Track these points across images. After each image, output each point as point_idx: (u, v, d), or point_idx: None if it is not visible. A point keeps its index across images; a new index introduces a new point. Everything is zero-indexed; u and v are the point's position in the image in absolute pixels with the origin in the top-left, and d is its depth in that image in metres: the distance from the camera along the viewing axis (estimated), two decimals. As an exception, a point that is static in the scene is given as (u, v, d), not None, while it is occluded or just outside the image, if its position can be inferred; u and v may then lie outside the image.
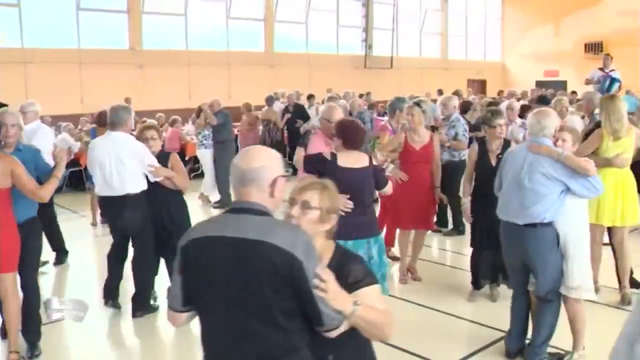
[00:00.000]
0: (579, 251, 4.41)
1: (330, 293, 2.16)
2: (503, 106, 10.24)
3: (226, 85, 19.03)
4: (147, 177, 5.73)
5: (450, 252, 8.00)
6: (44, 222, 5.27)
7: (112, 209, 5.84)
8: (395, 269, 6.86)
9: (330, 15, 23.51)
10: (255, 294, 2.18)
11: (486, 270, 5.94)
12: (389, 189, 4.96)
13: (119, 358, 5.28)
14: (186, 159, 13.57)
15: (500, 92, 20.34)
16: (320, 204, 2.46)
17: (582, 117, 8.77)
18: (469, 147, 7.04)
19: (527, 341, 4.76)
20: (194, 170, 13.63)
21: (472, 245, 6.06)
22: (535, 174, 4.36)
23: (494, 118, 5.78)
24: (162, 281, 5.72)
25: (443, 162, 7.91)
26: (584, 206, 4.51)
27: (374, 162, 4.85)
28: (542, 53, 27.50)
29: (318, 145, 5.24)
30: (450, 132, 8.13)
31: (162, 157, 5.87)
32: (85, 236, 9.15)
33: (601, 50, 25.02)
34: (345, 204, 4.56)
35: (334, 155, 4.69)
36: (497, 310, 5.57)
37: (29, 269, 4.88)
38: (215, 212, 9.98)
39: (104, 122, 8.42)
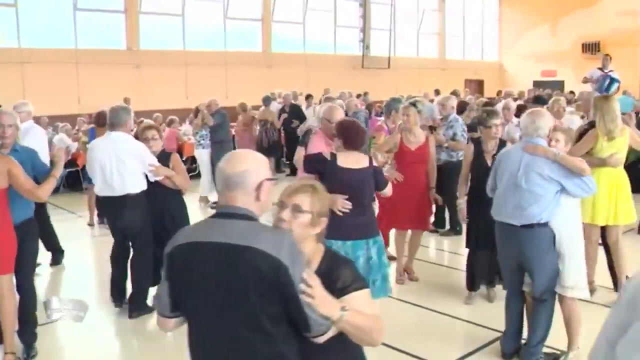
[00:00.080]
0: (574, 250, 4.44)
1: (317, 298, 2.14)
2: (499, 106, 10.26)
3: (223, 85, 19.01)
4: (146, 177, 5.74)
5: (447, 253, 8.02)
6: (38, 223, 5.26)
7: (113, 209, 5.85)
8: (392, 269, 6.87)
9: (328, 16, 23.49)
10: (241, 300, 2.16)
11: (482, 271, 5.94)
12: (388, 190, 4.94)
13: (115, 358, 5.28)
14: (183, 159, 13.56)
15: (499, 93, 20.37)
16: (311, 207, 2.42)
17: (582, 117, 8.79)
18: (467, 147, 7.04)
19: (522, 341, 4.77)
20: (191, 170, 13.63)
21: (467, 246, 6.06)
22: (531, 174, 4.37)
23: (490, 118, 5.78)
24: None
25: (441, 162, 7.94)
26: (577, 206, 4.55)
27: (374, 163, 4.84)
28: (539, 53, 27.51)
29: (318, 145, 5.24)
30: (448, 132, 8.11)
31: (163, 157, 5.89)
32: (82, 236, 9.15)
33: (598, 50, 25.05)
34: (343, 204, 4.58)
35: (333, 156, 4.68)
36: (493, 311, 5.57)
37: (25, 270, 4.87)
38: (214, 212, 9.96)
39: (102, 122, 8.45)
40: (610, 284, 6.05)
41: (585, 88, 14.66)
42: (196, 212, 9.24)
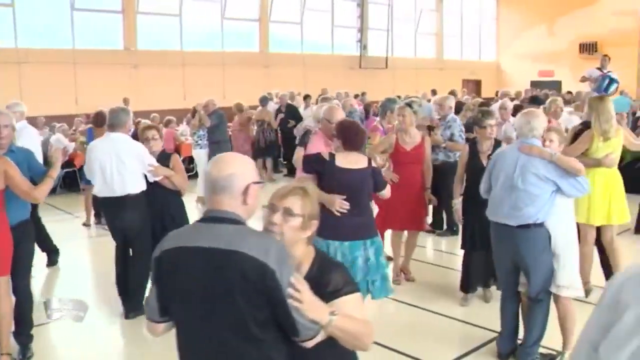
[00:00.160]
0: (569, 250, 4.47)
1: (305, 303, 2.12)
2: (496, 106, 10.27)
3: (221, 85, 19.01)
4: (145, 177, 5.74)
5: (444, 253, 8.02)
6: None
7: (113, 210, 5.85)
8: (388, 270, 6.87)
9: (325, 16, 23.49)
10: (228, 305, 2.14)
11: (478, 272, 5.94)
12: (387, 192, 4.93)
13: (111, 359, 5.27)
14: (181, 159, 13.54)
15: (497, 93, 20.38)
16: (302, 210, 2.39)
17: (581, 117, 8.79)
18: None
19: (518, 342, 4.78)
20: (189, 170, 13.62)
21: (463, 247, 6.07)
22: (527, 175, 4.38)
23: (485, 118, 5.78)
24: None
25: (438, 162, 7.94)
26: (571, 205, 4.58)
27: (373, 164, 4.82)
28: (537, 53, 27.55)
29: (318, 145, 5.23)
30: (446, 132, 8.10)
31: (163, 158, 5.91)
32: (79, 237, 9.15)
33: (596, 51, 25.12)
34: (341, 204, 4.58)
35: (332, 156, 4.68)
36: (490, 311, 5.57)
37: (21, 271, 4.86)
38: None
39: (101, 122, 8.44)
40: (605, 284, 6.06)
41: (582, 87, 14.69)
42: (194, 212, 9.22)
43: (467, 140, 7.29)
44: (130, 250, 6.00)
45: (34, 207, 6.68)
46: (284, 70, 20.64)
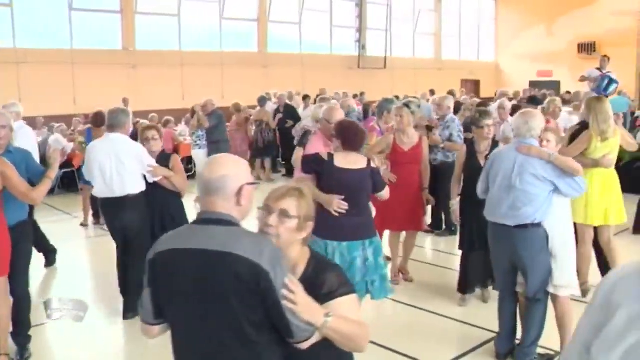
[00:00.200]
0: (566, 250, 4.48)
1: (299, 305, 2.11)
2: (494, 106, 10.27)
3: (219, 85, 19.01)
4: (145, 178, 5.74)
5: (443, 253, 8.01)
6: None
7: (112, 210, 5.84)
8: (387, 270, 6.87)
9: (324, 16, 23.49)
10: (222, 307, 2.13)
11: (476, 272, 5.94)
12: (386, 193, 4.90)
13: (109, 359, 5.27)
14: (180, 159, 13.55)
15: (497, 93, 20.38)
16: (298, 212, 2.38)
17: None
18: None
19: (516, 342, 4.78)
20: (188, 170, 13.62)
21: (460, 247, 6.07)
22: (525, 175, 4.39)
23: (482, 118, 5.78)
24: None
25: (437, 162, 7.94)
26: (567, 205, 4.60)
27: (372, 165, 4.81)
28: (535, 53, 27.56)
29: (317, 145, 5.22)
30: (445, 132, 8.09)
31: (163, 158, 5.90)
32: (77, 237, 9.14)
33: (594, 51, 25.16)
34: (339, 204, 4.58)
35: (331, 156, 4.67)
36: (488, 311, 5.56)
37: (19, 272, 4.84)
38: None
39: (100, 122, 8.43)
40: (597, 284, 6.05)
41: (581, 88, 14.69)
42: (193, 212, 9.19)
43: (466, 140, 7.28)
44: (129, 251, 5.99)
45: (31, 208, 6.68)
46: (282, 71, 20.64)
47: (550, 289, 4.49)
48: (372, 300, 4.89)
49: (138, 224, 5.74)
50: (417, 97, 14.29)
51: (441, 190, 7.31)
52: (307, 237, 2.48)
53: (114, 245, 6.09)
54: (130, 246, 5.91)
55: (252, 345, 2.17)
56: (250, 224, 2.39)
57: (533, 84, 24.51)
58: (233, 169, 2.29)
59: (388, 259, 6.88)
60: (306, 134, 5.79)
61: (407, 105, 6.58)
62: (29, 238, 5.09)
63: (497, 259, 4.74)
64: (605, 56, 13.24)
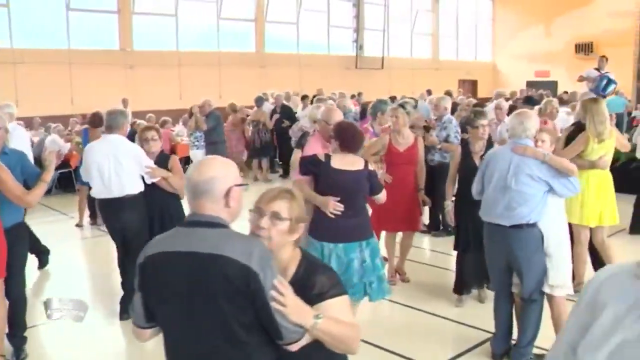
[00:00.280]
0: (561, 250, 4.50)
1: (288, 306, 2.11)
2: (491, 106, 10.27)
3: (217, 85, 19.01)
4: (143, 179, 5.75)
5: (440, 254, 8.01)
6: None
7: (111, 211, 5.83)
8: (384, 271, 6.87)
9: (321, 16, 23.50)
10: (212, 309, 2.13)
11: (473, 272, 5.94)
12: (382, 196, 4.88)
13: (106, 359, 5.29)
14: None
15: (495, 93, 20.41)
16: (289, 214, 2.38)
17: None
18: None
19: (512, 342, 4.78)
20: (186, 171, 13.61)
21: (455, 248, 6.07)
22: (521, 175, 4.40)
23: (477, 119, 5.77)
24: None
25: (434, 163, 7.94)
26: (562, 205, 4.62)
27: (370, 167, 4.80)
28: (533, 53, 27.60)
29: (315, 147, 5.21)
30: (442, 133, 8.08)
31: (162, 159, 5.90)
32: (74, 238, 9.13)
33: (592, 51, 25.20)
34: (335, 206, 4.58)
35: (327, 157, 4.67)
36: (484, 312, 5.57)
37: (15, 274, 4.83)
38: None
39: (97, 123, 8.44)
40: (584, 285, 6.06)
41: (578, 88, 14.71)
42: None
43: (463, 140, 7.27)
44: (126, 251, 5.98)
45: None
46: (280, 71, 20.64)
47: (546, 289, 4.50)
48: (370, 302, 4.89)
49: (137, 225, 5.74)
50: (414, 97, 14.29)
51: (438, 191, 7.31)
52: (299, 238, 2.47)
53: (110, 245, 6.10)
54: (130, 247, 5.91)
55: (242, 346, 2.17)
56: (240, 225, 2.39)
57: (530, 84, 24.53)
58: (220, 170, 2.28)
59: (385, 259, 6.89)
60: (304, 135, 5.79)
61: (402, 105, 6.59)
62: (25, 240, 5.08)
63: (492, 259, 4.74)
64: (603, 56, 13.27)
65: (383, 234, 6.68)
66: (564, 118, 9.66)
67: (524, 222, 4.40)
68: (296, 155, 5.44)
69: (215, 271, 2.12)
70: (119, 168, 5.65)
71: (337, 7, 24.04)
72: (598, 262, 6.06)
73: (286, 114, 13.86)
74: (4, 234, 4.57)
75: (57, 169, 10.77)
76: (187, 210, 6.05)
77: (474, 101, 12.74)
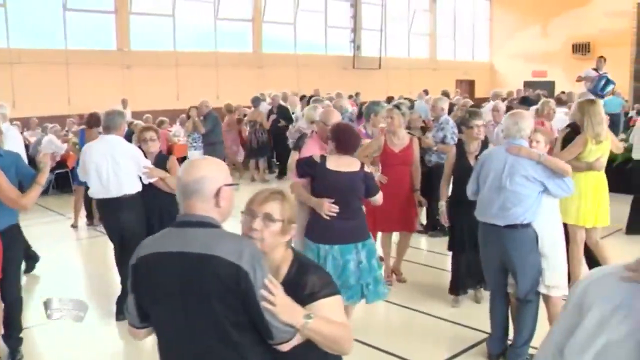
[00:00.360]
0: (556, 250, 4.51)
1: (278, 305, 2.11)
2: (488, 107, 10.25)
3: (214, 86, 19.00)
4: (140, 178, 5.75)
5: (437, 254, 8.00)
6: None
7: (109, 210, 5.84)
8: (381, 272, 6.87)
9: (319, 16, 23.50)
10: (205, 309, 2.14)
11: (469, 273, 5.93)
12: (379, 197, 4.86)
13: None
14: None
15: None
16: (281, 215, 2.39)
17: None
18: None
19: (509, 342, 4.79)
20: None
21: (449, 248, 6.08)
22: (516, 175, 4.40)
23: (472, 119, 5.76)
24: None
25: (431, 164, 7.94)
26: (557, 206, 4.62)
27: (366, 169, 4.79)
28: (530, 53, 27.63)
29: (312, 148, 5.20)
30: (439, 134, 8.07)
31: (161, 159, 5.91)
32: (71, 238, 9.11)
33: (588, 51, 25.26)
34: (329, 207, 4.58)
35: (323, 158, 4.67)
36: (480, 312, 5.56)
37: (10, 276, 4.80)
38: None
39: (93, 123, 8.44)
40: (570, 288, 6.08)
41: (576, 88, 14.73)
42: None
43: (458, 140, 7.25)
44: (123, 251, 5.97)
45: None
46: (277, 71, 20.64)
47: (542, 290, 4.51)
48: (366, 304, 4.89)
49: (135, 224, 5.74)
50: (410, 97, 14.30)
51: (435, 192, 7.29)
52: (291, 239, 2.49)
53: (107, 246, 6.09)
54: (127, 246, 5.90)
55: (236, 346, 2.17)
56: (232, 224, 2.39)
57: (528, 84, 24.53)
58: (210, 170, 2.29)
59: (381, 259, 6.89)
60: (302, 137, 5.77)
61: (397, 106, 6.58)
62: (20, 242, 5.05)
63: (487, 260, 4.74)
64: (601, 57, 13.30)
65: (379, 234, 6.68)
66: (562, 119, 9.63)
67: (518, 222, 4.41)
68: (293, 157, 5.42)
69: (207, 271, 2.13)
70: (117, 168, 5.66)
71: (335, 7, 24.04)
72: (593, 262, 6.07)
73: (283, 114, 13.86)
74: None
75: (54, 169, 10.77)
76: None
77: (470, 102, 12.72)
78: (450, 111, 9.97)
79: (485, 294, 5.85)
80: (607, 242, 6.18)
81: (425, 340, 5.29)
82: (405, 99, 12.68)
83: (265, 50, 21.54)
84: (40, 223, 7.58)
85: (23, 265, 7.23)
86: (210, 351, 2.19)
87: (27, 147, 10.50)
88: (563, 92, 18.60)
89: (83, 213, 9.64)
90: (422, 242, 8.40)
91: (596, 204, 5.83)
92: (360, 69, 23.81)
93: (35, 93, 15.43)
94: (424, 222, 8.71)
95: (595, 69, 12.86)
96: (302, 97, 15.47)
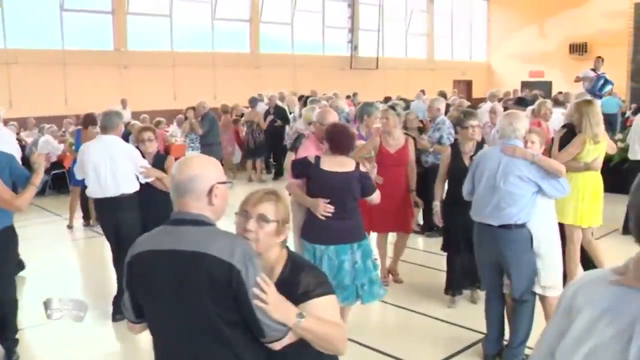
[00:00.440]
0: (552, 250, 4.51)
1: (270, 304, 2.11)
2: (485, 108, 10.24)
3: (211, 86, 18.99)
4: (138, 178, 5.76)
5: (433, 254, 7.99)
6: None
7: (107, 210, 5.85)
8: (377, 273, 6.86)
9: (316, 16, 23.50)
10: (197, 307, 2.14)
11: (463, 273, 5.93)
12: (376, 197, 4.86)
13: (98, 361, 5.27)
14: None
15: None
16: (276, 215, 2.40)
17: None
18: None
19: (505, 343, 4.79)
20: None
21: (443, 248, 6.08)
22: (510, 176, 4.41)
23: (467, 119, 5.76)
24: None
25: (428, 165, 7.94)
26: (552, 206, 4.63)
27: (362, 169, 4.79)
28: (527, 53, 27.64)
29: (309, 149, 5.20)
30: (435, 134, 8.07)
31: (159, 160, 5.94)
32: (67, 239, 9.10)
33: (586, 51, 25.28)
34: (325, 208, 4.58)
35: (317, 159, 4.67)
36: (476, 312, 5.55)
37: (5, 278, 4.81)
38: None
39: (89, 124, 8.45)
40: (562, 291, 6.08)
41: (573, 88, 14.72)
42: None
43: (455, 141, 7.25)
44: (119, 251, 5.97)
45: None
46: (274, 71, 20.64)
47: (538, 290, 4.51)
48: (362, 304, 4.89)
49: (132, 223, 5.75)
50: (407, 98, 14.28)
51: (432, 192, 7.30)
52: (286, 239, 2.49)
53: (103, 246, 6.09)
54: (124, 245, 5.89)
55: (230, 344, 2.18)
56: (225, 223, 2.39)
57: (525, 85, 24.57)
58: (202, 169, 2.29)
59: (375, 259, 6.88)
60: (299, 138, 5.77)
61: (392, 107, 6.58)
62: (14, 243, 5.03)
63: (482, 260, 4.75)
64: (599, 57, 13.32)
65: (375, 235, 6.67)
66: (560, 119, 9.63)
67: (512, 223, 4.41)
68: (290, 158, 5.43)
69: (199, 269, 2.13)
70: (114, 168, 5.69)
71: (332, 7, 24.05)
72: (587, 261, 6.08)
73: (279, 115, 13.86)
74: None
75: (50, 170, 10.75)
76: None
77: (466, 102, 12.72)
78: (446, 112, 9.96)
79: (482, 295, 5.83)
80: (603, 242, 6.20)
81: (421, 341, 5.29)
82: (402, 99, 12.69)
83: (263, 50, 21.55)
84: (37, 224, 7.57)
85: (30, 263, 7.28)
86: (204, 349, 2.20)
87: (23, 147, 10.48)
88: (560, 93, 18.62)
89: (79, 214, 9.63)
90: (418, 242, 8.39)
91: (593, 204, 5.84)
92: (357, 69, 23.81)
93: (33, 93, 15.42)
94: (421, 222, 8.71)
95: (594, 69, 12.88)
96: (301, 97, 15.47)
